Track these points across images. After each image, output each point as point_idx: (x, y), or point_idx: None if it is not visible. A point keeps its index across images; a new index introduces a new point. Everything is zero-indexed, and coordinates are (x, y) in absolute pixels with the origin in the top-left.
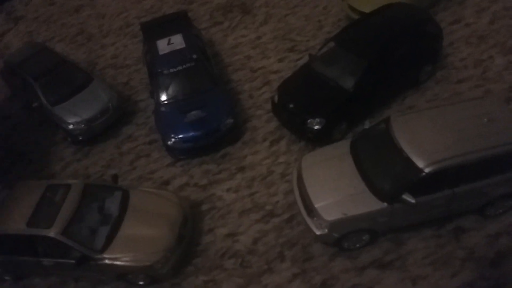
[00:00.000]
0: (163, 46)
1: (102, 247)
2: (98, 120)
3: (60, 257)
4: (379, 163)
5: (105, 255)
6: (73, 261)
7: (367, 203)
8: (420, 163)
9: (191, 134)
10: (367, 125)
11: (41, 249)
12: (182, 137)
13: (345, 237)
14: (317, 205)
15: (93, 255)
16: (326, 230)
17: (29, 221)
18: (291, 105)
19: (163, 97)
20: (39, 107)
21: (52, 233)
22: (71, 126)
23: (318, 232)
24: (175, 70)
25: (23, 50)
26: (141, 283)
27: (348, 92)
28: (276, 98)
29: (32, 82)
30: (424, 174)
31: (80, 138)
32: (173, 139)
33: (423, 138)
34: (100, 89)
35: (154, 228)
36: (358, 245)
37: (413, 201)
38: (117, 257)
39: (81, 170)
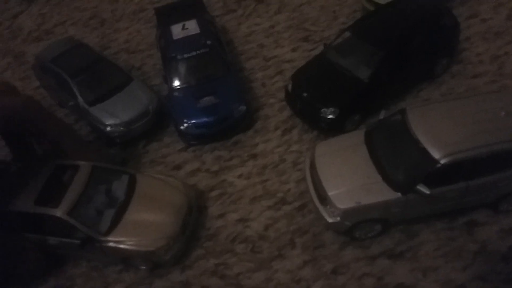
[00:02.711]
0: (177, 31)
1: (107, 230)
2: (137, 123)
3: (65, 237)
4: (394, 154)
5: (110, 238)
6: (78, 242)
7: (381, 193)
8: (436, 154)
9: (203, 119)
10: (382, 115)
11: (47, 227)
12: (194, 122)
13: (357, 226)
14: (330, 193)
15: (97, 237)
16: (339, 218)
17: (37, 199)
18: (305, 94)
19: (177, 82)
20: (74, 107)
21: (58, 212)
22: (108, 128)
23: (330, 220)
24: (189, 55)
25: (58, 45)
26: (143, 267)
27: (364, 82)
28: (290, 87)
29: (67, 80)
30: (439, 165)
31: (117, 141)
32: (185, 124)
33: (440, 130)
34: (140, 90)
35: (159, 214)
36: (369, 235)
37: (428, 192)
38: (121, 241)
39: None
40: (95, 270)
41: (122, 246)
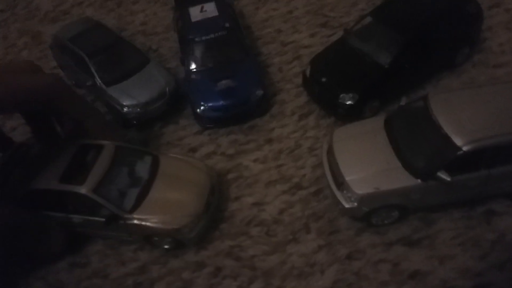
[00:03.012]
0: (195, 13)
1: (131, 208)
2: (154, 104)
3: (89, 215)
4: (415, 140)
5: (135, 215)
6: (102, 219)
7: (400, 179)
8: (458, 141)
9: (221, 102)
10: (403, 101)
11: (71, 206)
12: (212, 105)
13: (374, 212)
14: (348, 178)
15: (122, 215)
16: (356, 204)
17: (61, 177)
18: (323, 79)
19: (194, 65)
20: (91, 87)
21: (83, 190)
22: (126, 109)
23: (347, 205)
24: (207, 37)
25: (76, 25)
26: (166, 246)
27: (384, 68)
28: (308, 72)
29: (85, 59)
30: (462, 152)
31: (134, 122)
32: (202, 107)
33: (463, 117)
34: (157, 71)
35: (183, 193)
36: (386, 222)
37: (448, 179)
38: (146, 218)
39: None
40: (110, 248)
41: (146, 223)
